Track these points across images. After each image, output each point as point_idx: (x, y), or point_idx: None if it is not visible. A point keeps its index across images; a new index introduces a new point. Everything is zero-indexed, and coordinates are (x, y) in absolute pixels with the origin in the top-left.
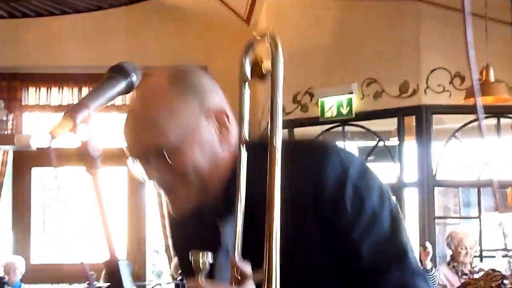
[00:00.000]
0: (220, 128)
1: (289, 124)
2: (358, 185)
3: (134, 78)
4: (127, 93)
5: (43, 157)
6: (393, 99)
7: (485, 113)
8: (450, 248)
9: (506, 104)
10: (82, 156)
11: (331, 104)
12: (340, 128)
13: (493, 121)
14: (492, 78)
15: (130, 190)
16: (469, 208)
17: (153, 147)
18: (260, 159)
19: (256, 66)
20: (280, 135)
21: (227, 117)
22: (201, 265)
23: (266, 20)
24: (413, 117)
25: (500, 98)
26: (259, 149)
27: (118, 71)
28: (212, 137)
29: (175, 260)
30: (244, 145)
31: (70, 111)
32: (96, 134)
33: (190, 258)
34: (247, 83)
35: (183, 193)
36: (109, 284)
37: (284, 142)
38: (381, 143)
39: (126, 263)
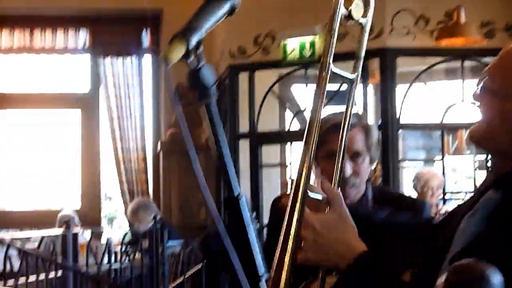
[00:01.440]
0: None
1: (250, 67)
2: None
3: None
4: (231, 15)
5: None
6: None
7: (451, 55)
8: (416, 189)
9: (471, 47)
10: (194, 84)
11: (294, 46)
12: (302, 71)
13: (458, 63)
14: (463, 19)
15: (85, 134)
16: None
17: (496, 82)
18: None
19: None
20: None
21: None
22: None
23: None
24: (377, 59)
25: (470, 39)
26: None
27: None
28: None
29: (132, 204)
30: None
31: (182, 34)
32: (207, 60)
33: None
34: None
35: (482, 127)
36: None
37: None
38: (343, 87)
39: (246, 200)
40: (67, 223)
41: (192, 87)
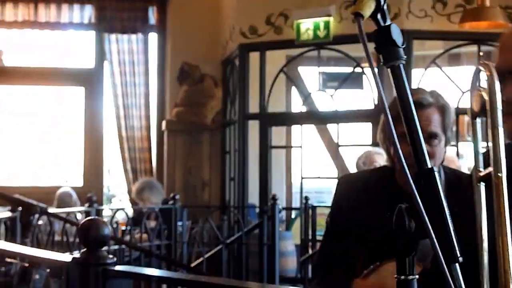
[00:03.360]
0: None
1: (262, 46)
2: None
3: None
4: None
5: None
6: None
7: (466, 40)
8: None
9: (488, 31)
10: (382, 43)
11: (308, 26)
12: (315, 52)
13: (474, 48)
14: (487, 2)
15: (87, 111)
16: None
17: None
18: None
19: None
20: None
21: None
22: None
23: None
24: None
25: (494, 24)
26: None
27: None
28: None
29: (138, 184)
30: None
31: None
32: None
33: None
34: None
35: None
36: None
37: None
38: (357, 69)
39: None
40: (90, 199)
41: (379, 47)
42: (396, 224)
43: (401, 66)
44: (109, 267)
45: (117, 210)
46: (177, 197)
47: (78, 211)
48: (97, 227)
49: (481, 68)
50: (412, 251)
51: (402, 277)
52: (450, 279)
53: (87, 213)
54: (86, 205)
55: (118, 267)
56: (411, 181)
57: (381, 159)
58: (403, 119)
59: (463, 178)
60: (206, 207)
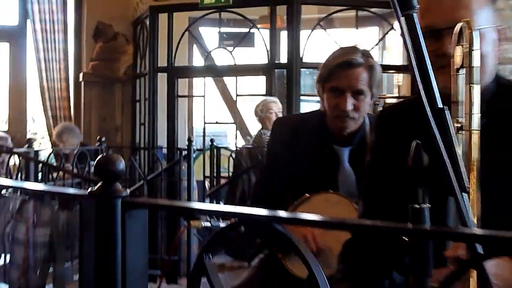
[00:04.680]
0: None
1: (170, 8)
2: None
3: None
4: None
5: None
6: None
7: (346, 5)
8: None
9: None
10: None
11: None
12: (216, 15)
13: (352, 13)
14: None
15: (12, 65)
16: None
17: None
18: None
19: None
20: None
21: None
22: None
23: None
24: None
25: None
26: None
27: None
28: None
29: (58, 128)
30: None
31: None
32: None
33: None
34: None
35: None
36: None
37: None
38: (252, 30)
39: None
40: (30, 141)
41: None
42: (413, 158)
43: (414, 15)
44: (127, 199)
45: (52, 151)
46: (103, 139)
47: (17, 153)
48: (113, 162)
49: (463, 24)
50: (425, 183)
51: (416, 205)
52: (464, 206)
53: (27, 154)
54: (26, 146)
55: (135, 199)
56: (432, 119)
57: (275, 106)
58: (416, 64)
59: None
60: (135, 149)
